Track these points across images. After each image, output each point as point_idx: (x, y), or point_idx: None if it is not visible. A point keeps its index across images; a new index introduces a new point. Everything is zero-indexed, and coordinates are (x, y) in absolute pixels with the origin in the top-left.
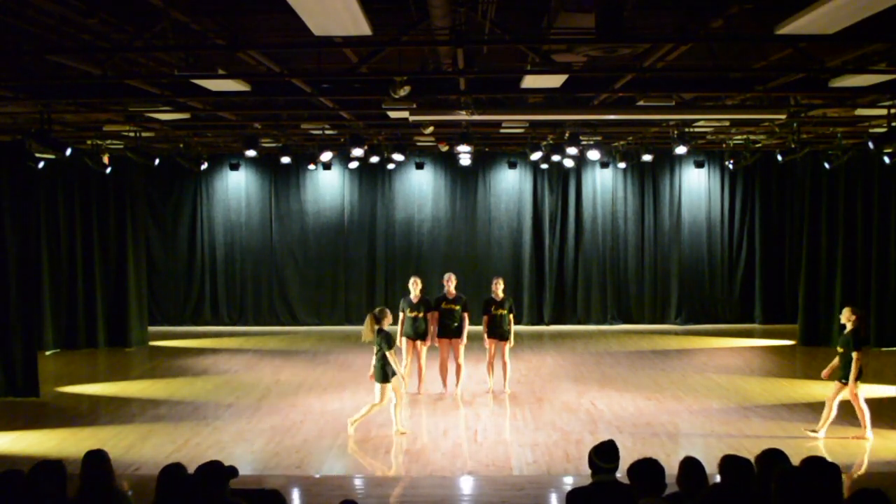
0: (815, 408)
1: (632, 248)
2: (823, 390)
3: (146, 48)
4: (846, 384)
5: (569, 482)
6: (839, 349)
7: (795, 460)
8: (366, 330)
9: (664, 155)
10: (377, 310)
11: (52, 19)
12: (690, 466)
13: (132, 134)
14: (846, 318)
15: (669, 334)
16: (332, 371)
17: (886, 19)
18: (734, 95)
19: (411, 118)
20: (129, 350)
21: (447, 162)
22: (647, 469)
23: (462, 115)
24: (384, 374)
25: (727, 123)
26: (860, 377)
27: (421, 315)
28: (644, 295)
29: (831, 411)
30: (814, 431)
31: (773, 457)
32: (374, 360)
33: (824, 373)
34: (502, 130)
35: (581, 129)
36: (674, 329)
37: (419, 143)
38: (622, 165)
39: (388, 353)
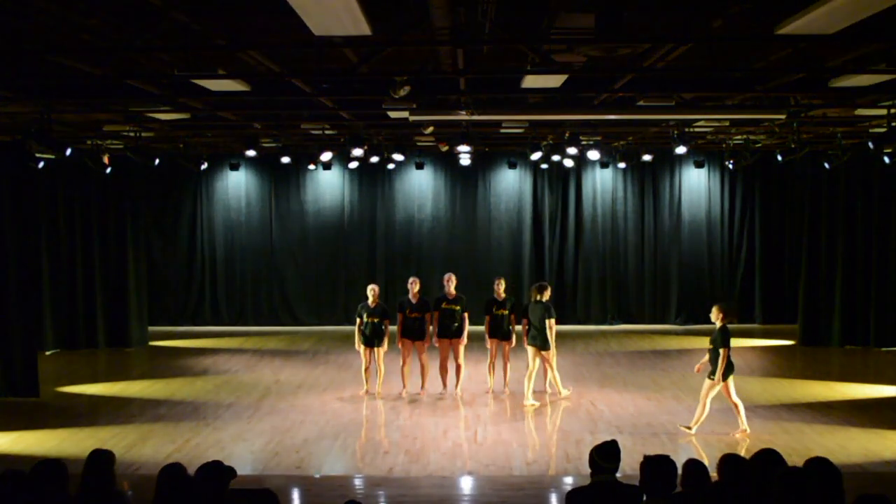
0: (815, 408)
1: (632, 248)
2: (823, 390)
3: (146, 48)
4: (714, 380)
5: (569, 482)
6: (709, 346)
7: (796, 460)
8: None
9: (664, 155)
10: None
11: (52, 19)
12: (694, 469)
13: (132, 134)
14: (715, 316)
15: (669, 334)
16: (332, 371)
17: (886, 19)
18: (734, 95)
19: (411, 118)
20: (129, 350)
21: (447, 162)
22: (662, 466)
23: (462, 115)
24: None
25: (727, 123)
26: (731, 373)
27: (420, 316)
28: (644, 295)
29: (705, 408)
30: (688, 428)
31: (769, 457)
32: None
33: (697, 367)
34: (502, 130)
35: (581, 129)
36: (674, 329)
37: (419, 143)
38: (622, 165)
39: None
